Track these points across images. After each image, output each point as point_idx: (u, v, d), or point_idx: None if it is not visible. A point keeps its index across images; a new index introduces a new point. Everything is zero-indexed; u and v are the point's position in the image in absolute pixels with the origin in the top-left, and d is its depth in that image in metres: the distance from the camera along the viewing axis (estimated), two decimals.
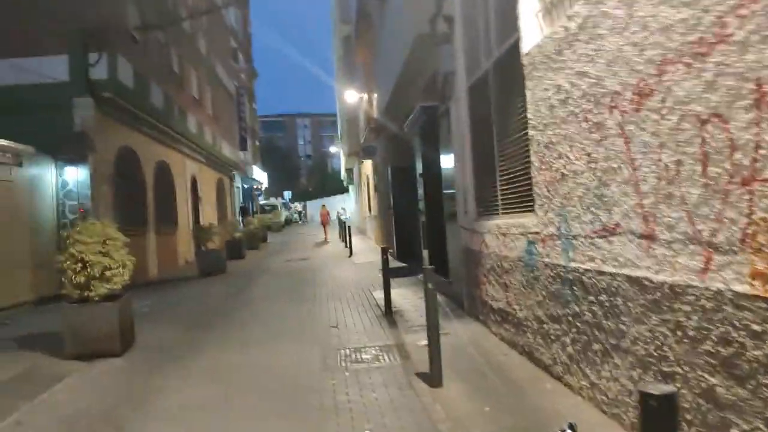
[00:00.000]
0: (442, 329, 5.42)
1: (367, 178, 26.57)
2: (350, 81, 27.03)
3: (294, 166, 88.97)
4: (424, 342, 6.25)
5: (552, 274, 4.82)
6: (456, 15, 7.53)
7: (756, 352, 2.63)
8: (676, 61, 3.03)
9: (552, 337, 4.92)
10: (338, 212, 42.32)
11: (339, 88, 36.15)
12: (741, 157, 2.66)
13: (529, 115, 5.14)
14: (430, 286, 4.97)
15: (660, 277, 3.29)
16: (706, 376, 2.98)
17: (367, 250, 20.85)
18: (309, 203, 69.50)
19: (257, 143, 50.01)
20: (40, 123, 11.37)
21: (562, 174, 4.50)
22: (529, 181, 5.35)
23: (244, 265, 18.30)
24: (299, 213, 64.87)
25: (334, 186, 67.66)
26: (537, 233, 5.10)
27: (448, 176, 8.92)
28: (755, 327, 2.62)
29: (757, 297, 2.60)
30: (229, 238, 20.94)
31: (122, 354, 6.74)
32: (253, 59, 46.43)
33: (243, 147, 34.76)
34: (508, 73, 5.91)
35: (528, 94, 5.14)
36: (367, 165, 25.82)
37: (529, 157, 5.27)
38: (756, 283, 2.60)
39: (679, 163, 3.07)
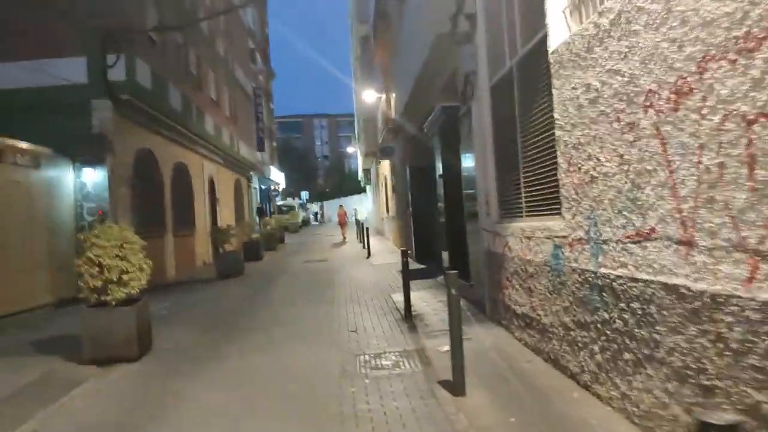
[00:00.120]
0: (464, 334, 5.25)
1: (385, 179, 26.45)
2: (368, 81, 26.93)
3: (311, 167, 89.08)
4: (446, 347, 6.12)
5: (580, 279, 4.65)
6: (478, 13, 7.38)
7: None
8: (719, 58, 2.86)
9: (579, 344, 4.75)
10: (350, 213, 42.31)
11: (357, 89, 36.11)
12: None
13: (555, 115, 4.98)
14: (453, 291, 4.82)
15: (699, 286, 3.12)
16: (751, 391, 2.81)
17: (385, 251, 20.74)
18: (326, 203, 69.60)
19: (274, 144, 50.17)
20: (58, 125, 11.41)
21: (592, 176, 4.33)
22: (555, 183, 5.19)
23: (262, 267, 18.27)
24: (315, 214, 64.79)
25: (351, 186, 67.71)
26: (564, 237, 4.93)
27: (469, 177, 8.76)
28: None
29: None
30: (247, 240, 20.93)
31: (140, 358, 6.69)
32: (270, 60, 46.54)
33: (260, 148, 34.84)
34: (533, 71, 5.74)
35: (555, 93, 4.98)
36: (385, 165, 25.69)
37: (555, 158, 5.11)
38: None
39: (722, 165, 2.90)
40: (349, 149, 69.55)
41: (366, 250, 19.78)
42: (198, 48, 19.77)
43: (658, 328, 3.53)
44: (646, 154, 3.57)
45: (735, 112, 2.79)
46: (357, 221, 33.07)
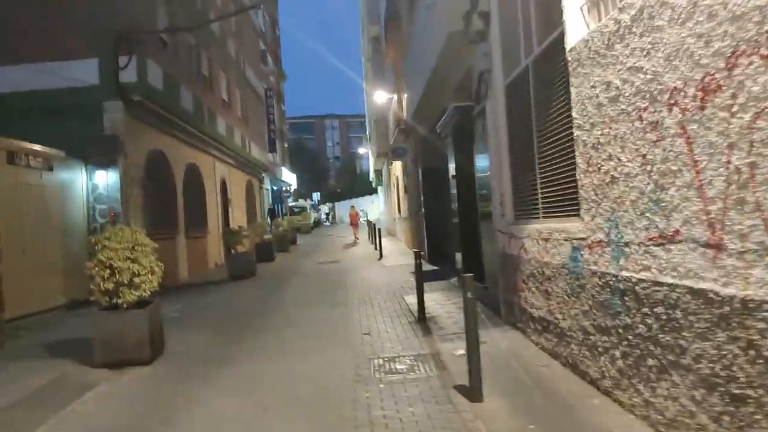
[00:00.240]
0: (479, 337, 5.15)
1: (397, 180, 26.36)
2: (379, 82, 26.87)
3: (323, 168, 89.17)
4: (461, 351, 6.03)
5: (600, 282, 4.53)
6: (492, 11, 7.26)
7: None
8: (750, 54, 2.75)
9: (599, 349, 4.63)
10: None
11: (368, 89, 36.06)
12: None
13: (573, 114, 4.86)
14: (469, 295, 4.71)
15: (729, 291, 3.00)
16: None
17: (397, 252, 20.64)
18: (337, 204, 69.61)
19: (286, 145, 50.24)
20: (70, 127, 11.43)
21: (612, 177, 4.21)
22: (573, 184, 5.07)
23: (274, 268, 18.23)
24: (327, 215, 64.67)
25: (362, 187, 67.70)
26: (583, 239, 4.81)
27: (483, 178, 8.64)
28: None
29: None
30: (259, 241, 20.91)
31: (152, 362, 6.64)
32: (281, 61, 46.61)
33: (272, 149, 34.89)
34: (549, 70, 5.63)
35: (573, 91, 4.86)
36: (397, 166, 25.61)
37: (573, 158, 4.99)
38: None
39: (753, 165, 2.78)
40: (361, 150, 69.53)
41: (378, 252, 19.69)
42: (209, 49, 19.79)
43: (684, 333, 3.41)
44: (671, 153, 3.45)
45: None
46: (369, 222, 33.00)
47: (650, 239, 3.74)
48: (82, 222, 11.77)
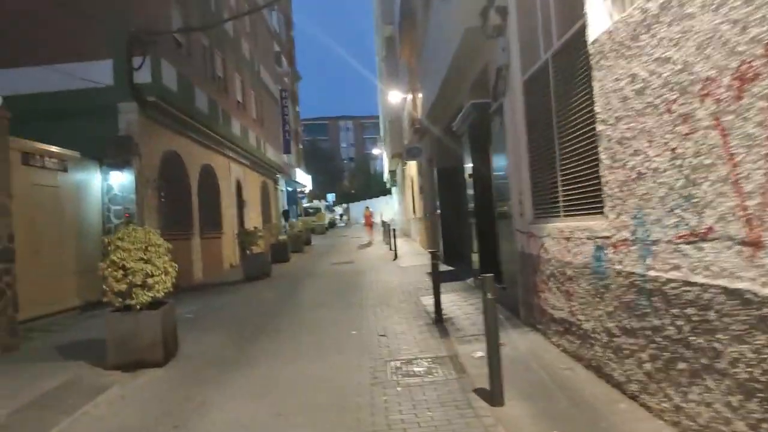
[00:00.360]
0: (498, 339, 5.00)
1: (412, 180, 26.22)
2: (394, 82, 26.77)
3: (337, 169, 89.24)
4: (480, 353, 5.89)
5: (625, 282, 4.36)
6: (510, 5, 7.11)
7: None
8: None
9: (625, 351, 4.46)
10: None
11: (382, 90, 35.96)
12: None
13: (597, 109, 4.70)
14: (489, 296, 4.56)
15: None
16: None
17: (413, 253, 20.49)
18: (351, 205, 69.57)
19: (300, 146, 50.30)
20: (85, 128, 11.43)
21: (639, 172, 4.05)
22: (596, 181, 4.90)
23: (289, 269, 18.17)
24: (340, 216, 64.47)
25: (377, 188, 67.63)
26: (607, 238, 4.64)
27: (501, 176, 8.48)
28: None
29: None
30: (274, 242, 20.87)
31: (165, 364, 6.55)
32: (295, 62, 46.67)
33: (287, 150, 34.91)
34: (570, 64, 5.47)
35: (595, 85, 4.70)
36: (411, 166, 25.47)
37: (596, 154, 4.83)
38: None
39: None
40: (375, 151, 69.49)
41: (393, 252, 19.55)
42: (224, 50, 19.78)
43: (718, 336, 3.24)
44: (703, 147, 3.28)
45: None
46: (383, 223, 32.89)
47: (680, 237, 3.57)
48: (97, 223, 11.76)
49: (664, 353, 3.85)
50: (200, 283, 15.17)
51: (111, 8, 12.07)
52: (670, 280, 3.71)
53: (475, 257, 10.81)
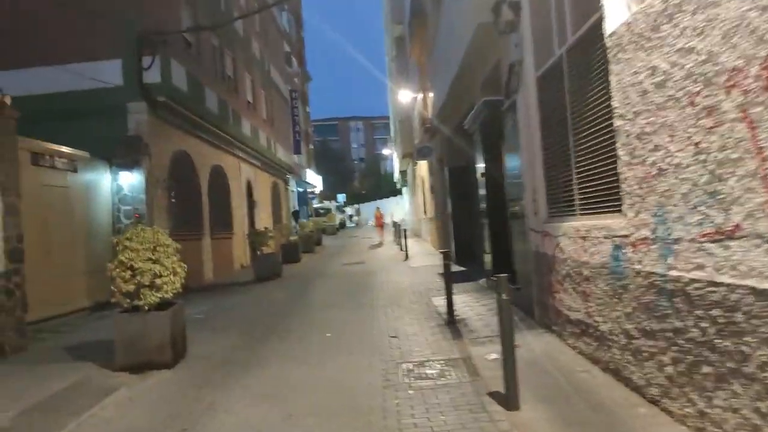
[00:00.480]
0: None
1: (422, 180, 26.10)
2: (404, 81, 26.65)
3: (347, 170, 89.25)
4: (494, 355, 5.76)
5: (645, 283, 4.21)
6: (523, 0, 6.96)
7: None
8: None
9: (645, 354, 4.31)
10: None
11: (392, 90, 35.87)
12: None
13: (614, 104, 4.55)
14: (504, 297, 4.43)
15: None
16: None
17: (423, 253, 20.35)
18: (362, 206, 69.49)
19: (311, 147, 50.29)
20: (94, 128, 11.41)
21: (660, 168, 3.90)
22: (613, 178, 4.76)
23: (300, 269, 18.10)
24: (350, 216, 64.21)
25: (387, 188, 67.54)
26: (626, 236, 4.49)
27: (514, 175, 8.33)
28: None
29: None
30: (285, 242, 20.82)
31: (174, 366, 6.46)
32: (306, 63, 46.68)
33: (297, 150, 34.89)
34: (586, 58, 5.32)
35: (613, 79, 4.55)
36: (422, 166, 25.35)
37: (613, 150, 4.68)
38: None
39: None
40: (385, 151, 69.39)
41: (404, 253, 19.42)
42: (234, 50, 19.75)
43: (746, 339, 3.10)
44: (730, 140, 3.14)
45: None
46: (394, 223, 32.77)
47: (705, 235, 3.43)
48: (106, 223, 11.73)
49: (687, 356, 3.71)
50: (211, 284, 15.12)
51: (120, 8, 12.04)
52: (693, 281, 3.57)
53: (487, 257, 10.66)
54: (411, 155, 27.57)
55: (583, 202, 5.66)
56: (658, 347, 4.10)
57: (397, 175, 47.76)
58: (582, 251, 5.48)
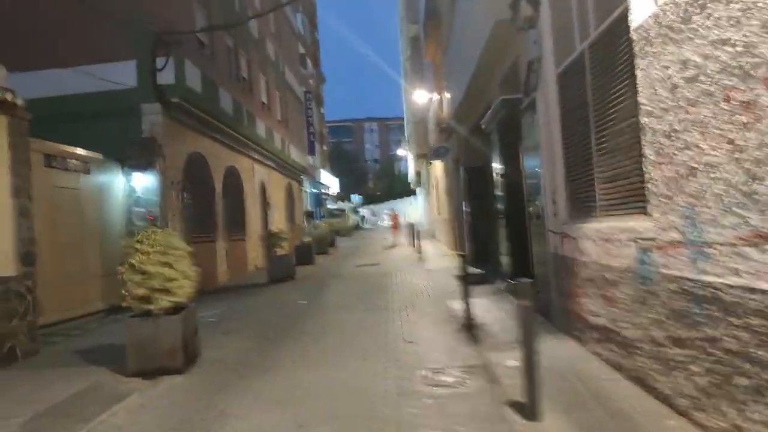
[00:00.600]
0: None
1: (437, 181, 25.90)
2: (419, 82, 26.48)
3: (362, 171, 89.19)
4: (513, 362, 5.56)
5: (674, 288, 4.01)
6: None
7: None
8: None
9: (674, 363, 4.10)
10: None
11: (407, 91, 35.72)
12: None
13: (640, 100, 4.35)
14: (526, 303, 4.24)
15: None
16: None
17: (439, 255, 20.14)
18: (376, 207, 69.37)
19: (325, 148, 50.26)
20: (107, 129, 11.38)
21: (690, 167, 3.69)
22: (639, 178, 4.55)
23: (314, 271, 17.97)
24: (362, 217, 63.89)
25: (401, 189, 67.38)
26: (652, 239, 4.29)
27: (532, 175, 8.13)
28: None
29: None
30: (299, 243, 20.73)
31: (186, 371, 6.34)
32: (320, 64, 46.66)
33: (311, 152, 34.83)
34: (609, 53, 5.11)
35: (639, 74, 4.35)
36: (437, 167, 25.14)
37: (639, 149, 4.47)
38: None
39: None
40: (400, 152, 69.16)
41: (418, 254, 19.22)
42: (248, 51, 19.69)
43: None
44: None
45: None
46: (408, 224, 32.61)
47: (741, 239, 3.22)
48: (120, 226, 11.66)
49: (721, 366, 3.50)
50: (225, 286, 15.04)
51: (134, 9, 11.99)
52: (728, 287, 3.36)
53: (504, 259, 10.45)
54: (426, 156, 27.40)
55: (605, 202, 5.45)
56: (688, 356, 3.89)
57: (411, 176, 47.58)
58: (605, 254, 5.28)
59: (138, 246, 6.20)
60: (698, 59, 3.53)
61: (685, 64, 3.68)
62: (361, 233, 47.77)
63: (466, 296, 7.65)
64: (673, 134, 3.89)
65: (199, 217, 14.35)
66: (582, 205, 6.11)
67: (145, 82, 11.99)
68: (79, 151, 10.37)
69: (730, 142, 3.26)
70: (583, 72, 5.76)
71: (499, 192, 10.51)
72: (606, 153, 5.34)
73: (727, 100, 3.26)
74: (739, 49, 3.13)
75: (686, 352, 3.91)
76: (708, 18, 3.39)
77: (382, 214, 62.89)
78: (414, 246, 22.04)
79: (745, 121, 3.11)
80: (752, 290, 3.14)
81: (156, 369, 6.19)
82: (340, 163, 72.18)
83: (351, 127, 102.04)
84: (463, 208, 16.11)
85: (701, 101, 3.52)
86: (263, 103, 21.90)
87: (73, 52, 11.91)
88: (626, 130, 4.82)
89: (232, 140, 17.28)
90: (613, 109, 5.09)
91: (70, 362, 7.01)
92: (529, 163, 8.29)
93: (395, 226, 31.24)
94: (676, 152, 3.87)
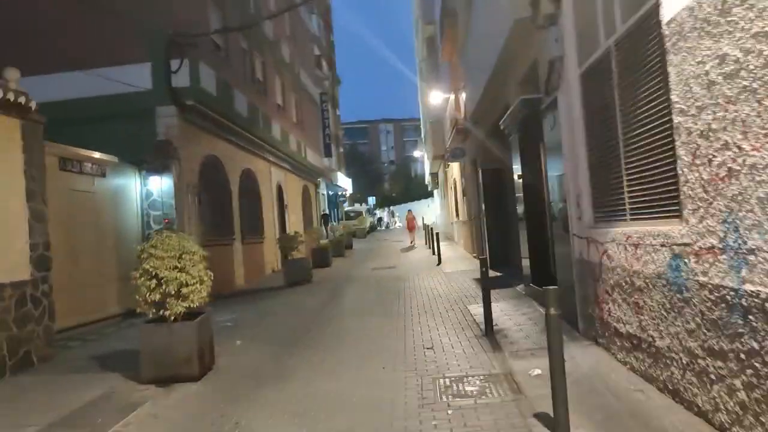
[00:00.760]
0: None
1: (454, 182, 25.66)
2: (435, 82, 26.27)
3: (377, 172, 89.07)
4: (537, 371, 5.38)
5: (712, 297, 3.78)
6: None
7: None
8: None
9: (711, 376, 3.88)
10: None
11: (423, 92, 35.53)
12: None
13: (673, 98, 4.13)
14: (553, 311, 4.04)
15: None
16: None
17: (456, 257, 19.92)
18: (395, 208, 69.18)
19: (341, 150, 50.19)
20: (123, 132, 11.33)
21: (730, 169, 3.47)
22: (671, 180, 4.33)
23: (330, 274, 17.85)
24: (379, 219, 63.58)
25: (417, 191, 67.15)
26: (687, 245, 4.06)
27: (554, 177, 7.90)
28: None
29: None
30: (315, 246, 20.61)
31: (200, 378, 6.22)
32: (335, 66, 46.62)
33: (327, 154, 34.78)
34: (638, 50, 4.89)
35: (671, 71, 4.12)
36: (454, 168, 24.90)
37: (672, 150, 4.25)
38: None
39: None
40: (416, 153, 69.00)
41: (436, 257, 19.02)
42: (263, 54, 19.63)
43: None
44: None
45: None
46: (425, 226, 32.39)
47: None
48: (136, 229, 11.61)
49: (766, 381, 3.27)
50: (241, 289, 14.96)
51: (149, 12, 11.94)
52: None
53: (525, 262, 10.22)
54: (442, 157, 27.16)
55: (634, 206, 5.22)
56: (728, 369, 3.66)
57: (427, 178, 47.34)
58: (634, 259, 5.05)
59: (152, 251, 6.07)
60: (739, 54, 3.31)
61: (723, 59, 3.46)
62: (376, 235, 47.62)
63: (486, 302, 7.45)
64: (710, 134, 3.67)
65: (215, 220, 14.28)
66: (609, 209, 5.88)
67: (160, 84, 11.95)
68: (95, 154, 10.33)
69: None
70: (610, 69, 5.53)
71: (518, 194, 10.28)
72: (635, 154, 5.11)
73: None
74: None
75: (726, 364, 3.68)
76: (750, 9, 3.17)
77: (401, 216, 62.76)
78: (431, 248, 21.83)
79: None
80: None
81: (170, 377, 6.08)
82: (356, 165, 72.13)
83: (366, 129, 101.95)
84: (482, 210, 15.88)
85: (742, 98, 3.30)
86: (278, 105, 21.84)
87: (88, 55, 11.89)
88: (657, 130, 4.59)
89: (247, 142, 17.21)
90: (643, 109, 4.86)
91: (86, 368, 6.93)
92: (551, 164, 8.07)
93: (411, 228, 31.01)
94: (714, 153, 3.64)
